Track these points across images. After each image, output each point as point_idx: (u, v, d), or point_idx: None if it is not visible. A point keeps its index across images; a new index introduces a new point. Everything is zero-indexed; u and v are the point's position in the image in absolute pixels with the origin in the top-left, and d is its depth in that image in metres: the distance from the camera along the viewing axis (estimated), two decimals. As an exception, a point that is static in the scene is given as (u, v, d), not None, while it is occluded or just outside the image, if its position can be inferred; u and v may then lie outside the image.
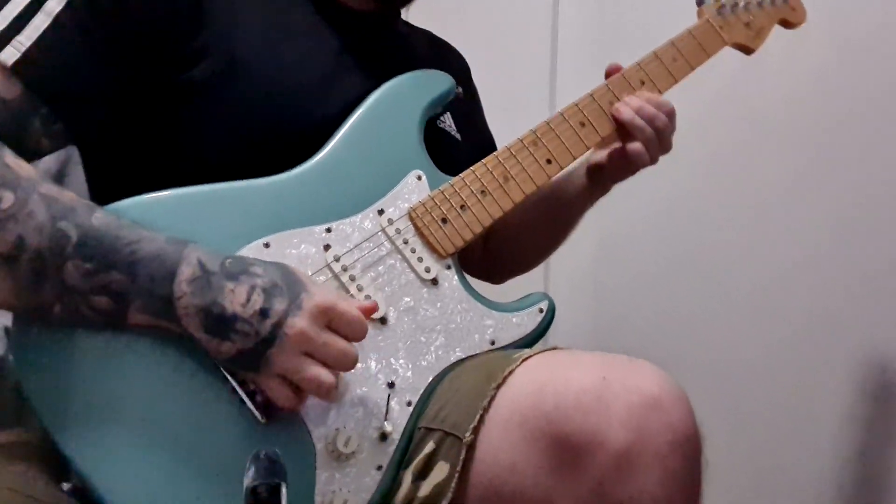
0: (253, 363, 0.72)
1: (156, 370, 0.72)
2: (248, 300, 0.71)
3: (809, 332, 1.31)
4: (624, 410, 0.71)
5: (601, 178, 1.03)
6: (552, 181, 0.97)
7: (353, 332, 0.75)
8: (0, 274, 0.68)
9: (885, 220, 1.23)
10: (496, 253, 1.09)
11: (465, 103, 1.05)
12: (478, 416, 0.76)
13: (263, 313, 0.71)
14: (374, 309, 0.78)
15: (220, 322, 0.71)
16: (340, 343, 0.73)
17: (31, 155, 0.74)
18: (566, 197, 1.06)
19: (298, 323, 0.71)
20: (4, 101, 0.73)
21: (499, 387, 0.77)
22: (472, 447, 0.76)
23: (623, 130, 0.96)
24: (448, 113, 0.99)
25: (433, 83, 0.92)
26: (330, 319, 0.73)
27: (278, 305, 0.71)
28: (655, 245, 1.55)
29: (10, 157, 0.70)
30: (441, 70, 0.94)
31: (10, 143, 0.71)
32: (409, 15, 1.06)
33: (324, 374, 0.72)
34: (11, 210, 0.67)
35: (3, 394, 0.77)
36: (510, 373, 0.78)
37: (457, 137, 1.00)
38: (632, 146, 0.96)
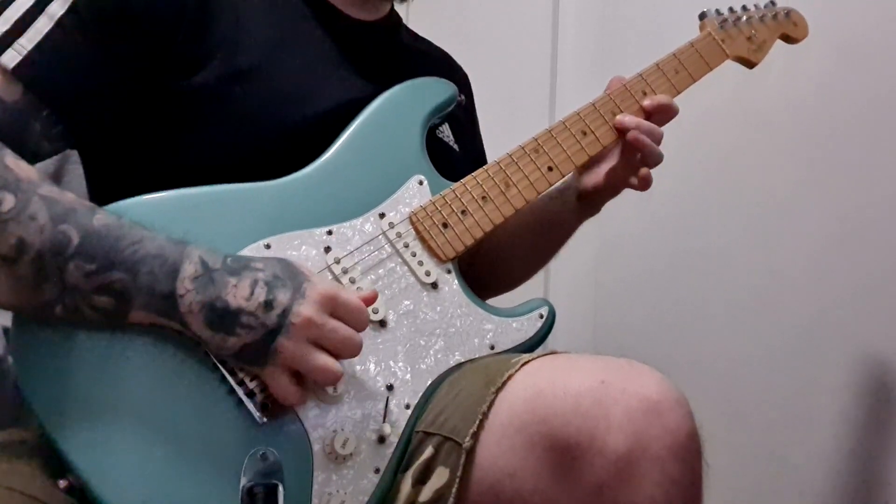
0: (260, 356, 0.72)
1: (154, 370, 0.72)
2: (252, 293, 0.71)
3: (809, 335, 1.31)
4: (623, 415, 0.71)
5: (595, 200, 1.02)
6: (539, 204, 0.97)
7: (356, 321, 0.75)
8: (1, 275, 0.68)
9: (883, 221, 1.23)
10: (482, 273, 1.05)
11: (464, 116, 1.06)
12: (477, 422, 0.76)
13: (268, 305, 0.71)
14: (374, 298, 0.78)
15: (224, 317, 0.71)
16: (346, 328, 0.74)
17: (31, 157, 0.74)
18: (555, 220, 1.05)
19: (304, 310, 0.72)
20: (5, 104, 0.73)
21: (498, 391, 0.77)
22: (471, 452, 0.76)
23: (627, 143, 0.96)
24: (446, 124, 0.99)
25: (436, 90, 0.93)
26: (334, 308, 0.73)
27: (282, 296, 0.72)
28: (655, 249, 1.55)
29: (11, 159, 0.70)
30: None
31: (11, 145, 0.71)
32: (409, 23, 1.07)
33: (332, 363, 0.73)
34: (12, 212, 0.67)
35: (2, 394, 0.77)
36: (509, 377, 0.77)
37: (454, 148, 1.00)
38: (643, 171, 0.97)
